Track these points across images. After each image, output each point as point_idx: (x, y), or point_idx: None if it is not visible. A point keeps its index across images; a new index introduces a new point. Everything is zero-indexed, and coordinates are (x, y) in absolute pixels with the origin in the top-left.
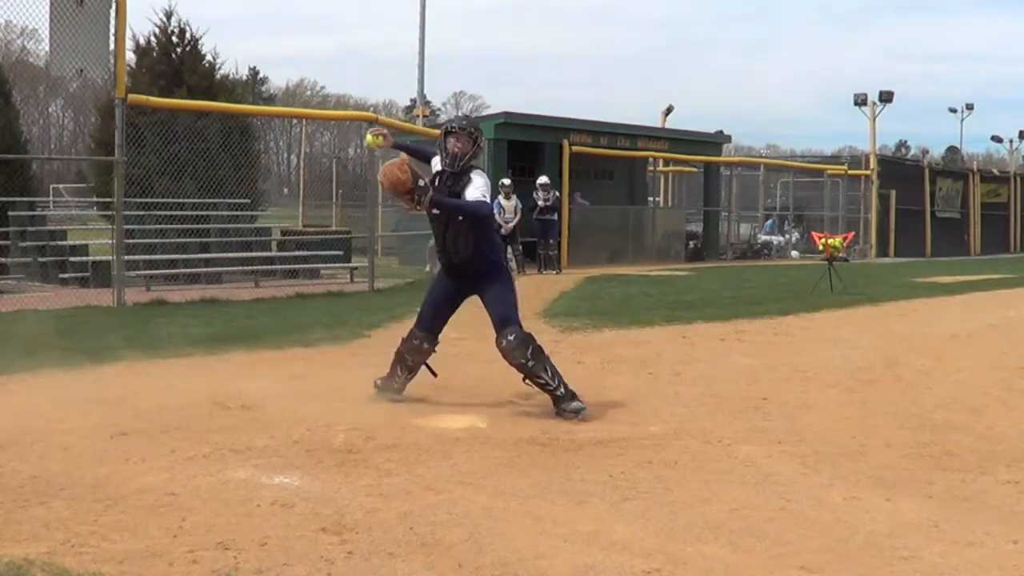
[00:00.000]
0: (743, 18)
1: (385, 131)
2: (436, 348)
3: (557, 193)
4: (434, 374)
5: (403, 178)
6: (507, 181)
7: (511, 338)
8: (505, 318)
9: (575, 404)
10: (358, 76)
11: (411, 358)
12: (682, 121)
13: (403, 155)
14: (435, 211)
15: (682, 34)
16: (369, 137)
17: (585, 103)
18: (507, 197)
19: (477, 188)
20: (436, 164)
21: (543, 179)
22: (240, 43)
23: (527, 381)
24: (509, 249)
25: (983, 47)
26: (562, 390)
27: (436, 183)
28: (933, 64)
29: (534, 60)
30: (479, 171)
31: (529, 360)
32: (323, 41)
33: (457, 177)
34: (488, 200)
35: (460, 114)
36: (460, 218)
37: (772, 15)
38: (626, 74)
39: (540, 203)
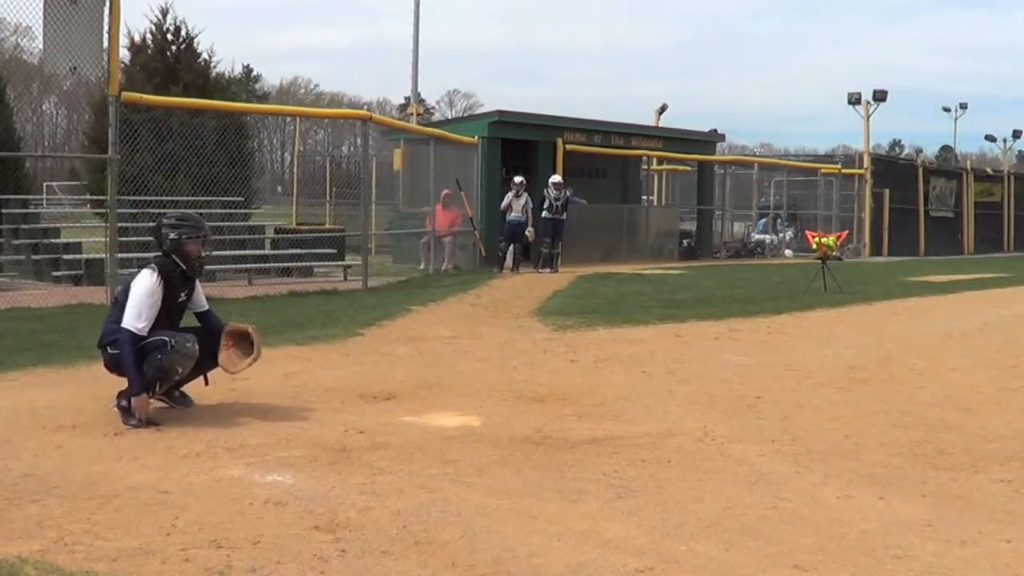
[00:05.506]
0: (741, 17)
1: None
2: None
3: (568, 192)
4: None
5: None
6: (518, 179)
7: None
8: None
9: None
10: (352, 74)
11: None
12: (676, 120)
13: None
14: None
15: (678, 33)
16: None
17: (584, 100)
18: (517, 195)
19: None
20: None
21: (556, 178)
22: (234, 39)
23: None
24: (511, 247)
25: (977, 46)
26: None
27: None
28: (927, 62)
29: (530, 57)
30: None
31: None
32: (317, 38)
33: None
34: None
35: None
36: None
37: (768, 13)
38: (621, 73)
39: (553, 197)
